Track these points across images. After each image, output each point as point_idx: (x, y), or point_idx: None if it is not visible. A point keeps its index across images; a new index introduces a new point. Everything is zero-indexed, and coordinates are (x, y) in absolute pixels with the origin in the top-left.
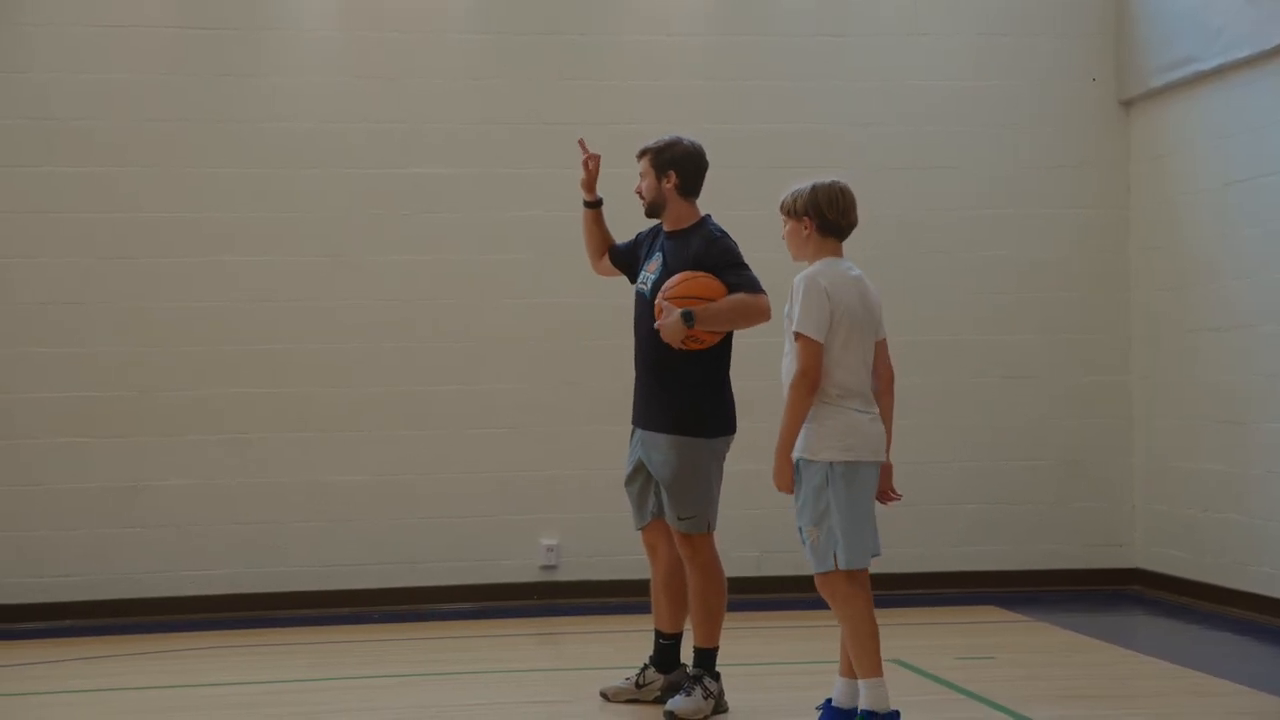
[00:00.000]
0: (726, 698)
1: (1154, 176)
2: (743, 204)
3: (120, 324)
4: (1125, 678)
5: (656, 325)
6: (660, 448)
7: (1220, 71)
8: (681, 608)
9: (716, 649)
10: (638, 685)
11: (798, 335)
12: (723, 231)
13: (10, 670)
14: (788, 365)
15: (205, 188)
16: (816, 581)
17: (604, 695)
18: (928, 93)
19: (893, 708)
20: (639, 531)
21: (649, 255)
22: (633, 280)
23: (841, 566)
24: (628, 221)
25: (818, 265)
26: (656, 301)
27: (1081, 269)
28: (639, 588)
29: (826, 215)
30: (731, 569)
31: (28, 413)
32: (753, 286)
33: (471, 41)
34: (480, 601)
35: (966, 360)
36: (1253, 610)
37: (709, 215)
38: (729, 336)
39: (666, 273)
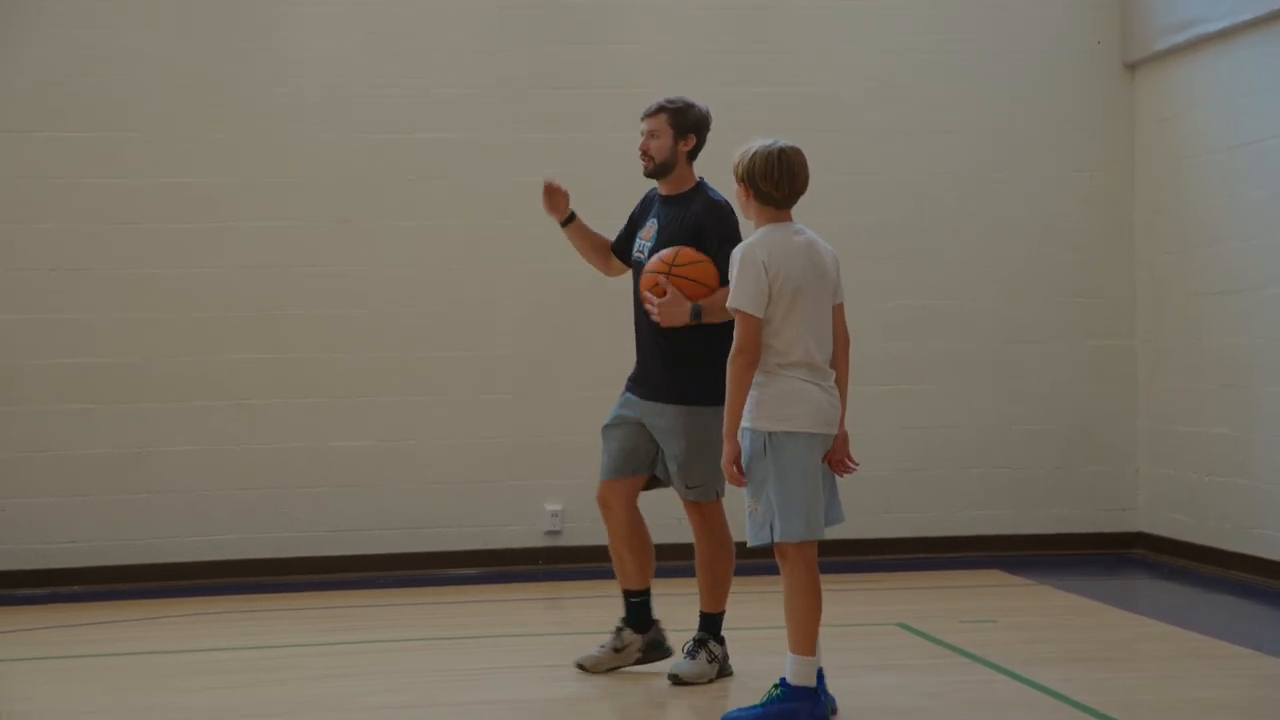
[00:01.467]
0: (731, 662)
1: (1159, 140)
2: None
3: (125, 290)
4: (1128, 641)
5: (657, 302)
6: (667, 417)
7: (1226, 34)
8: (647, 560)
9: (723, 614)
10: (616, 650)
11: (734, 310)
12: (724, 198)
13: (18, 635)
14: None
15: (211, 153)
16: (775, 550)
17: (582, 667)
18: (932, 57)
19: (817, 687)
20: (600, 482)
21: (643, 222)
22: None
23: (778, 540)
24: (630, 186)
25: (757, 235)
26: (655, 275)
27: (1086, 233)
28: None
29: (760, 186)
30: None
31: (33, 379)
32: None
33: (480, 5)
34: (485, 567)
35: (970, 325)
36: (1256, 573)
37: (703, 178)
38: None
39: (662, 238)
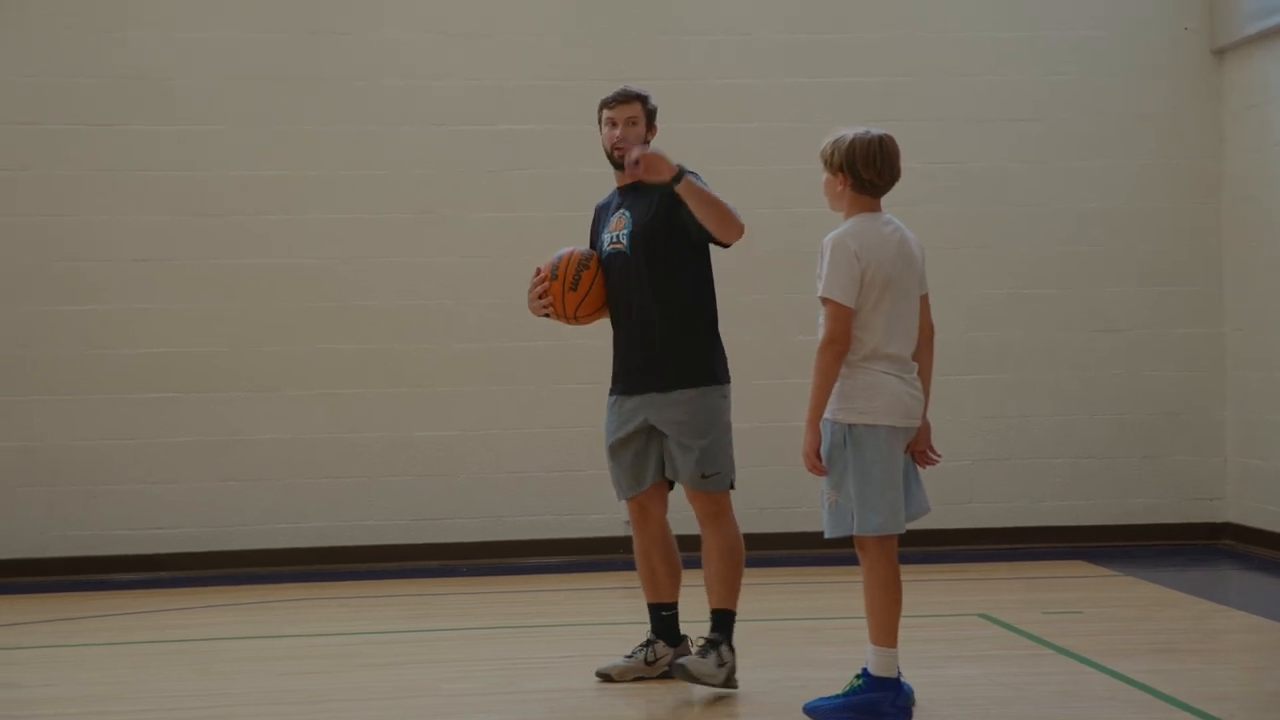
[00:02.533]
0: (737, 676)
1: (1247, 126)
2: None
3: (211, 281)
4: (1216, 632)
5: (635, 156)
6: (679, 405)
7: None
8: (678, 572)
9: (734, 613)
10: (648, 663)
11: (825, 300)
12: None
13: (109, 620)
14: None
15: (294, 146)
16: (856, 543)
17: (605, 676)
18: (1018, 43)
19: (898, 677)
20: (627, 500)
21: (610, 217)
22: None
23: (856, 532)
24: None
25: (849, 225)
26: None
27: (1173, 220)
28: None
29: (861, 174)
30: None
31: (122, 368)
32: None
33: None
34: (565, 556)
35: (1057, 313)
36: None
37: None
38: (711, 286)
39: (638, 222)
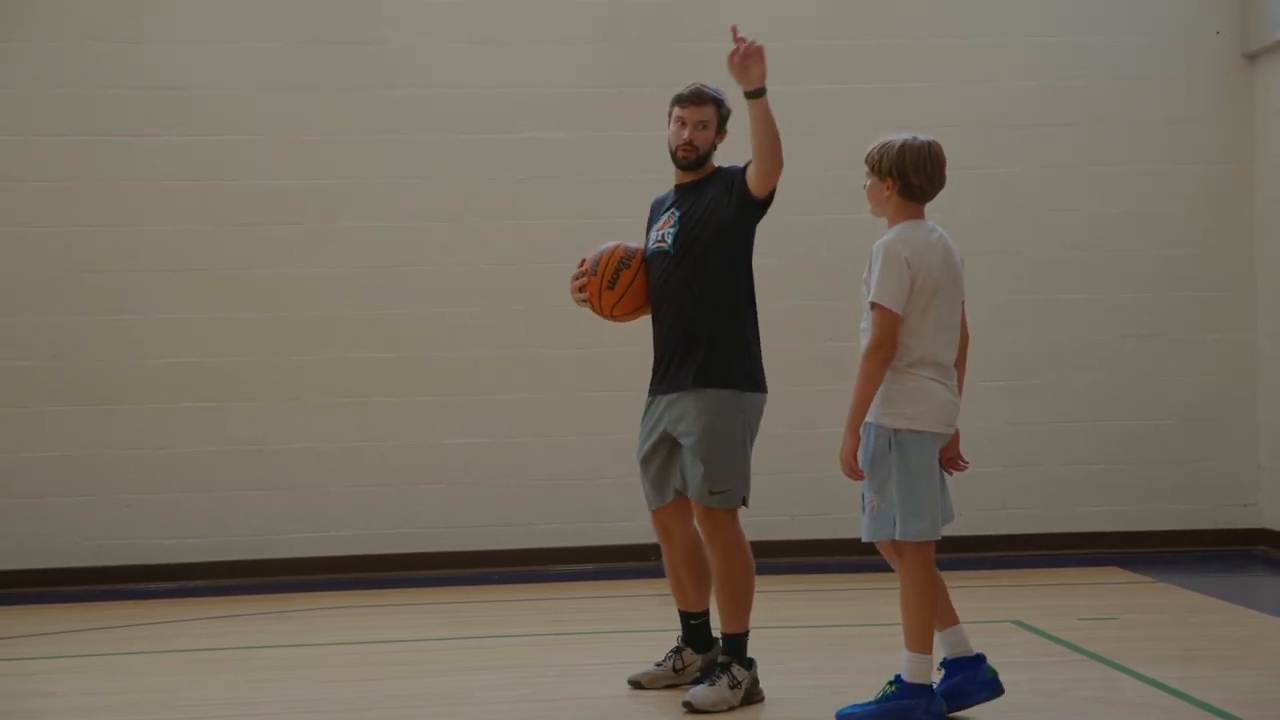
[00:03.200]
0: (762, 686)
1: (1279, 130)
2: (859, 163)
3: (242, 290)
4: (1250, 639)
5: (746, 49)
6: (690, 408)
7: None
8: (706, 582)
9: (747, 634)
10: (675, 670)
11: (874, 305)
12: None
13: (143, 629)
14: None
15: (322, 155)
16: (881, 547)
17: (636, 683)
18: (1047, 48)
19: (932, 685)
20: (651, 513)
21: (661, 215)
22: None
23: (898, 537)
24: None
25: (898, 230)
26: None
27: (1205, 225)
28: (755, 549)
29: (911, 180)
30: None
31: (154, 378)
32: None
33: (587, 4)
34: (598, 563)
35: (1088, 318)
36: None
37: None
38: (752, 288)
39: (685, 223)
